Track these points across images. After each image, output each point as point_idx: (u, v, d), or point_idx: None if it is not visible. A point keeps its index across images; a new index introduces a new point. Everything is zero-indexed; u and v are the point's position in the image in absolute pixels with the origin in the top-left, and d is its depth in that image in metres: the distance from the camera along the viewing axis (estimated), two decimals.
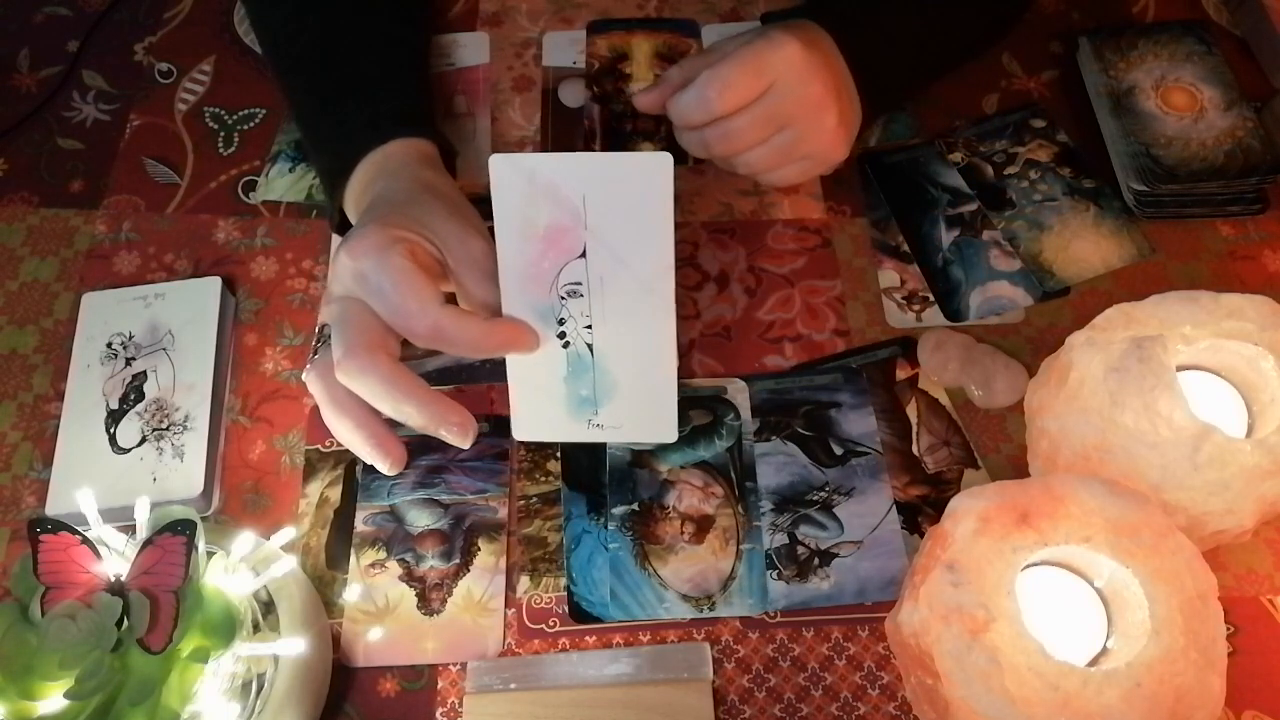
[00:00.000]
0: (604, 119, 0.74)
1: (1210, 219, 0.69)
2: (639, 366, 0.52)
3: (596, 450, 0.61)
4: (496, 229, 0.49)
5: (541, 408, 0.55)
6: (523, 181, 0.47)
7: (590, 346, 0.51)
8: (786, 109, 0.57)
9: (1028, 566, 0.50)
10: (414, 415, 0.49)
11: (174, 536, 0.48)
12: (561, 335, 0.51)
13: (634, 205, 0.47)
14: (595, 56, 0.78)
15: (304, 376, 0.53)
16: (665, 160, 0.46)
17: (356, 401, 0.50)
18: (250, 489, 0.61)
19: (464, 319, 0.48)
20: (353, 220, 0.57)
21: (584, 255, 0.49)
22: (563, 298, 0.50)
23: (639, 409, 0.54)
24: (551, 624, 0.57)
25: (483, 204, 0.51)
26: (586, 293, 0.50)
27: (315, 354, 0.51)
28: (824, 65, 0.58)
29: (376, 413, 0.51)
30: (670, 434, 0.55)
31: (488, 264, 0.50)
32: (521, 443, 0.62)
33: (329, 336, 0.50)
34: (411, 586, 0.57)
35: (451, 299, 0.52)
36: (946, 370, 0.63)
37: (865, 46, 0.61)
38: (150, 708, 0.45)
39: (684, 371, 0.64)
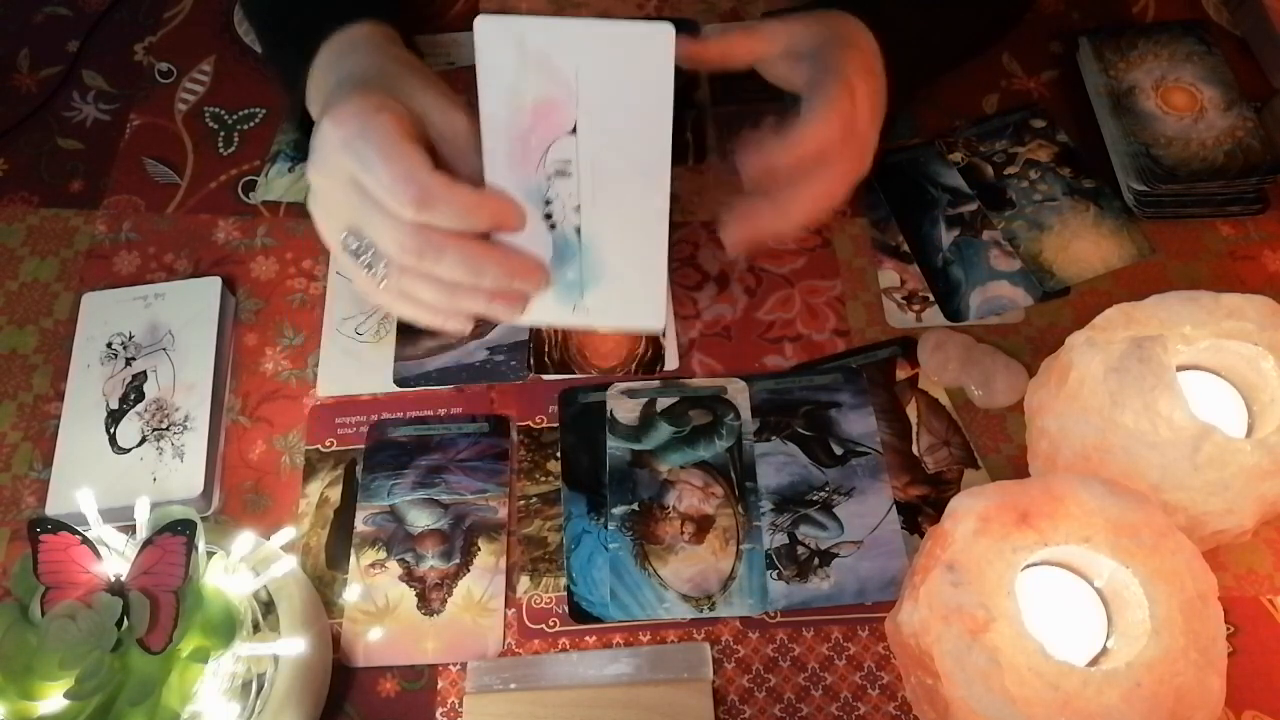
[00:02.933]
0: None
1: (1210, 219, 0.69)
2: (628, 252, 0.49)
3: (597, 450, 0.61)
4: (480, 100, 0.45)
5: None
6: (511, 48, 0.44)
7: (578, 230, 0.48)
8: (847, 157, 0.53)
9: (1028, 566, 0.49)
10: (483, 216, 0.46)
11: (174, 536, 0.48)
12: (548, 216, 0.48)
13: (631, 81, 0.44)
14: None
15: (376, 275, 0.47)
16: (666, 31, 0.42)
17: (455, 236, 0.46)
18: (250, 489, 0.61)
19: (453, 185, 0.44)
20: (315, 115, 0.54)
21: (574, 132, 0.45)
22: (550, 176, 0.46)
23: (626, 295, 0.50)
24: (551, 624, 0.57)
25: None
26: (576, 172, 0.46)
27: (367, 260, 0.47)
28: (878, 91, 0.54)
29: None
30: (658, 320, 0.51)
31: (470, 138, 0.47)
32: (521, 442, 0.62)
33: (364, 245, 0.46)
34: (411, 586, 0.57)
35: None
36: (946, 370, 0.63)
37: (899, 45, 0.57)
38: (150, 708, 0.45)
39: (684, 371, 0.64)
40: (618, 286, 0.50)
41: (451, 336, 0.51)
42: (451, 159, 0.47)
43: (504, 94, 0.45)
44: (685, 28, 0.66)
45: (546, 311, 0.51)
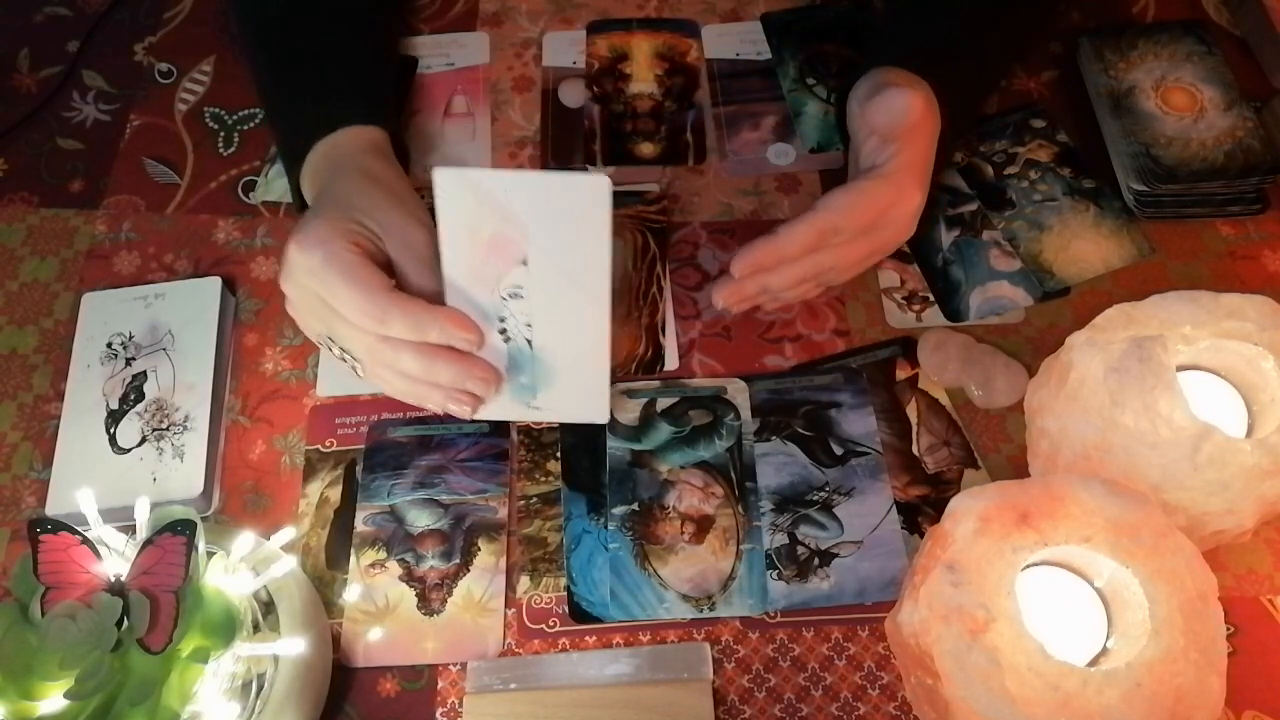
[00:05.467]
0: (604, 119, 0.74)
1: (1210, 219, 0.69)
2: (575, 359, 0.54)
3: (597, 450, 0.61)
4: (441, 234, 0.50)
5: None
6: (468, 194, 0.49)
7: (530, 342, 0.53)
8: (886, 237, 0.59)
9: (1028, 566, 0.49)
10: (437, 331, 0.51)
11: (174, 536, 0.48)
12: (503, 331, 0.53)
13: (574, 222, 0.49)
14: (595, 57, 0.78)
15: (365, 374, 0.54)
16: (603, 183, 0.48)
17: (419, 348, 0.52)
18: (250, 489, 0.61)
19: (407, 302, 0.50)
20: (309, 200, 0.60)
21: (525, 263, 0.51)
22: (505, 298, 0.52)
23: (574, 395, 0.56)
24: (551, 624, 0.57)
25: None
26: (527, 295, 0.52)
27: (344, 359, 0.54)
28: (928, 166, 0.59)
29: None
30: (602, 415, 0.56)
31: (426, 252, 0.52)
32: (521, 443, 0.62)
33: (338, 348, 0.53)
34: (411, 586, 0.57)
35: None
36: (946, 370, 0.63)
37: (960, 93, 0.62)
38: (150, 708, 0.45)
39: (684, 371, 0.64)
40: (566, 388, 0.55)
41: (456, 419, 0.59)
42: (413, 267, 0.53)
43: (462, 232, 0.50)
44: (686, 29, 0.69)
45: (503, 410, 0.56)
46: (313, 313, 0.52)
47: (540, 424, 0.62)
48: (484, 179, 0.49)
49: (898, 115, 0.56)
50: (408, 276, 0.53)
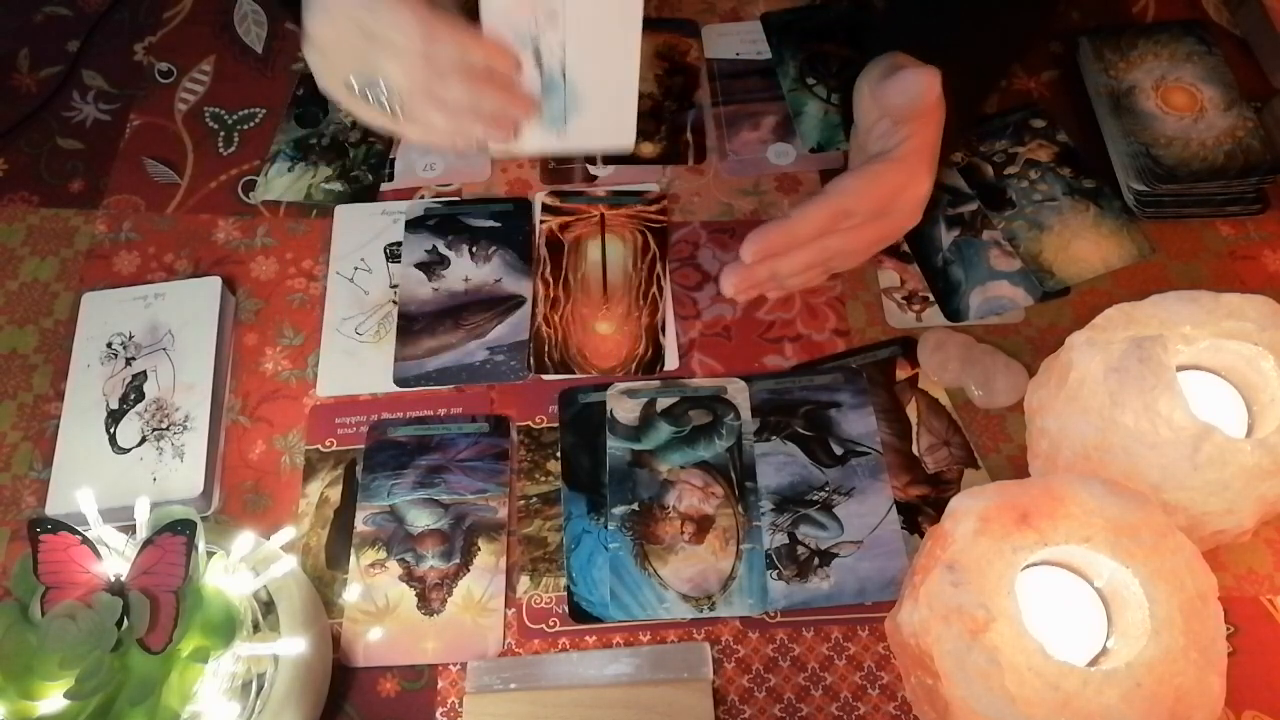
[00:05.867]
0: None
1: (1210, 219, 0.69)
2: (605, 86, 0.55)
3: (597, 450, 0.61)
4: None
5: None
6: None
7: (563, 70, 0.53)
8: (894, 223, 0.58)
9: (1028, 566, 0.49)
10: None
11: (174, 536, 0.48)
12: (538, 58, 0.53)
13: None
14: None
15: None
16: None
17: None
18: (250, 489, 0.61)
19: (454, 22, 0.49)
20: None
21: None
22: (539, 25, 0.52)
23: (603, 121, 0.56)
24: (551, 624, 0.57)
25: None
26: (562, 18, 0.51)
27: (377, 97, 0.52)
28: (936, 154, 0.58)
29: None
30: (629, 137, 0.57)
31: None
32: (521, 442, 0.62)
33: (372, 83, 0.51)
34: (411, 586, 0.57)
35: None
36: (946, 370, 0.63)
37: (960, 88, 0.61)
38: (150, 708, 0.45)
39: (684, 371, 0.64)
40: (596, 115, 0.56)
41: (464, 152, 0.60)
42: (446, 4, 0.51)
43: None
44: (686, 28, 0.69)
45: (535, 139, 0.57)
46: (348, 47, 0.50)
47: (566, 154, 0.62)
48: None
49: (915, 95, 0.55)
50: (442, 5, 0.51)
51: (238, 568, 0.51)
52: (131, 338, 0.64)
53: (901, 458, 0.61)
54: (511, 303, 0.67)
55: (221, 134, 0.75)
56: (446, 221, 0.70)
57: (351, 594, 0.57)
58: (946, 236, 0.68)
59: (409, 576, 0.57)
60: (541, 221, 0.70)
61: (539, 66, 0.53)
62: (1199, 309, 0.55)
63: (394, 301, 0.67)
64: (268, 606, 0.51)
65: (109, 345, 0.64)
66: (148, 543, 0.48)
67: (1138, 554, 0.47)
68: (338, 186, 0.71)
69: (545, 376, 0.64)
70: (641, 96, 0.75)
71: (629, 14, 0.52)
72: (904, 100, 0.56)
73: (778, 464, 0.60)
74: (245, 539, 0.52)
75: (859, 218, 0.56)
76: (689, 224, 0.70)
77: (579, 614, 0.56)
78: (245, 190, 0.72)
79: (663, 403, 0.63)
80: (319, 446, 0.62)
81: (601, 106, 0.56)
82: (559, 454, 0.61)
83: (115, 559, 0.49)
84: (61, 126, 0.76)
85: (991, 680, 0.45)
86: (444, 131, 0.53)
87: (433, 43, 0.48)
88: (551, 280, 0.67)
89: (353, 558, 0.58)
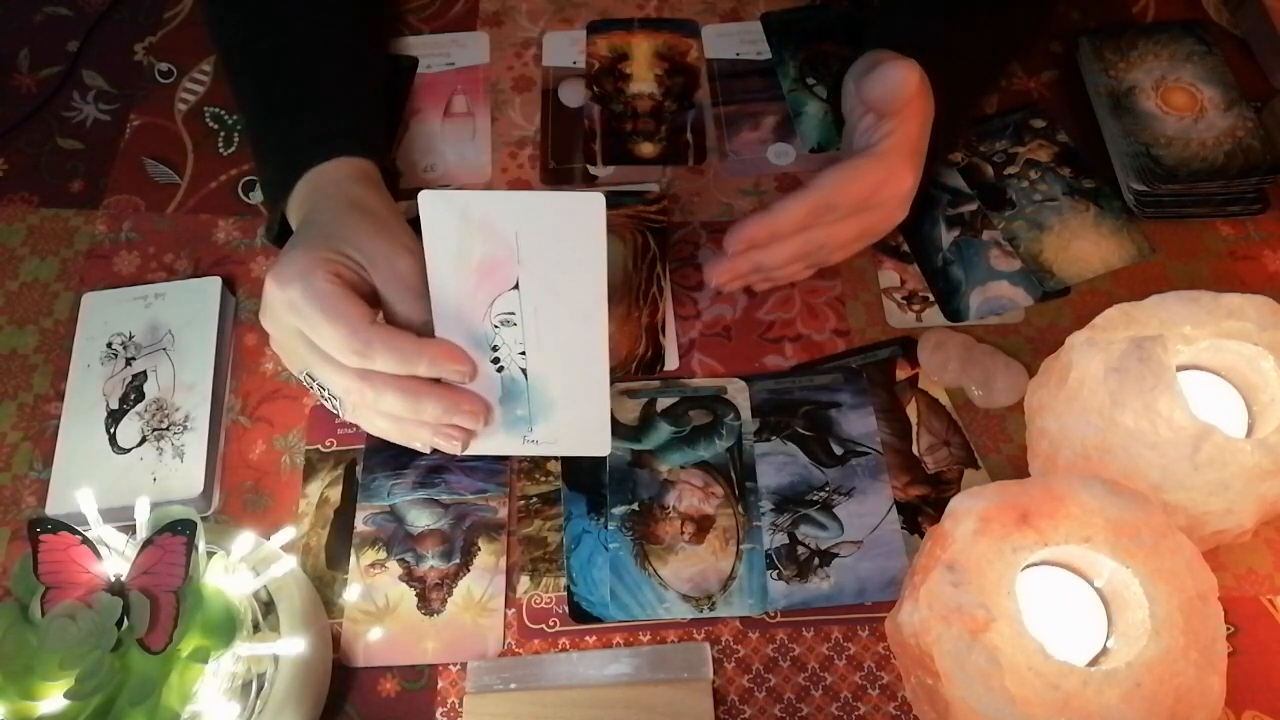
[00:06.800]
0: (604, 119, 0.74)
1: (1210, 219, 0.69)
2: (572, 388, 0.53)
3: None
4: (428, 260, 0.49)
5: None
6: (455, 217, 0.48)
7: (524, 371, 0.52)
8: (878, 218, 0.59)
9: (1028, 566, 0.49)
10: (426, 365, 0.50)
11: (174, 536, 0.48)
12: (496, 360, 0.52)
13: (566, 241, 0.48)
14: (595, 56, 0.78)
15: (349, 416, 0.53)
16: (597, 200, 0.47)
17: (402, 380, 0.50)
18: (250, 489, 0.61)
19: (392, 334, 0.48)
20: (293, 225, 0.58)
21: (517, 287, 0.49)
22: (496, 326, 0.50)
23: (572, 426, 0.54)
24: (551, 624, 0.57)
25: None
26: (520, 322, 0.50)
27: (324, 397, 0.53)
28: (920, 150, 0.59)
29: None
30: (604, 448, 0.55)
31: (415, 281, 0.50)
32: None
33: (318, 385, 0.51)
34: (411, 586, 0.57)
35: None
36: (946, 370, 0.63)
37: (953, 83, 0.61)
38: (150, 708, 0.45)
39: (684, 371, 0.64)
40: (564, 419, 0.54)
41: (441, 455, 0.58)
42: (401, 297, 0.51)
43: (450, 257, 0.49)
44: (686, 28, 0.68)
45: (498, 444, 0.55)
46: (293, 350, 0.51)
47: (537, 457, 0.60)
48: (471, 201, 0.47)
49: (893, 88, 0.56)
50: (395, 307, 0.51)
51: (238, 568, 0.51)
52: (131, 338, 0.64)
53: (901, 458, 0.61)
54: None
55: (222, 134, 0.75)
56: None
57: (351, 594, 0.57)
58: (946, 236, 0.68)
59: (409, 576, 0.57)
60: None
61: (499, 368, 0.51)
62: (1199, 309, 0.55)
63: None
64: (268, 606, 0.51)
65: (109, 345, 0.64)
66: (148, 543, 0.48)
67: (1138, 554, 0.47)
68: None
69: None
70: (642, 97, 0.76)
71: (593, 317, 0.49)
72: (883, 93, 0.56)
73: (778, 464, 0.60)
74: (245, 539, 0.52)
75: (841, 211, 0.56)
76: (689, 224, 0.70)
77: (579, 614, 0.56)
78: (245, 190, 0.72)
79: (663, 403, 0.63)
80: (319, 446, 0.62)
81: (570, 412, 0.53)
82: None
83: (115, 559, 0.49)
84: (61, 126, 0.76)
85: (991, 680, 0.45)
86: (389, 434, 0.52)
87: (367, 357, 0.47)
88: None
89: (353, 558, 0.58)
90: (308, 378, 0.52)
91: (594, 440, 0.55)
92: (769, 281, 0.62)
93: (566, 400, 0.53)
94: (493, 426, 0.54)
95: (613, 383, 0.63)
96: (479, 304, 0.50)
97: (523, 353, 0.51)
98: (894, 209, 0.58)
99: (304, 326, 0.49)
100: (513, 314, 0.50)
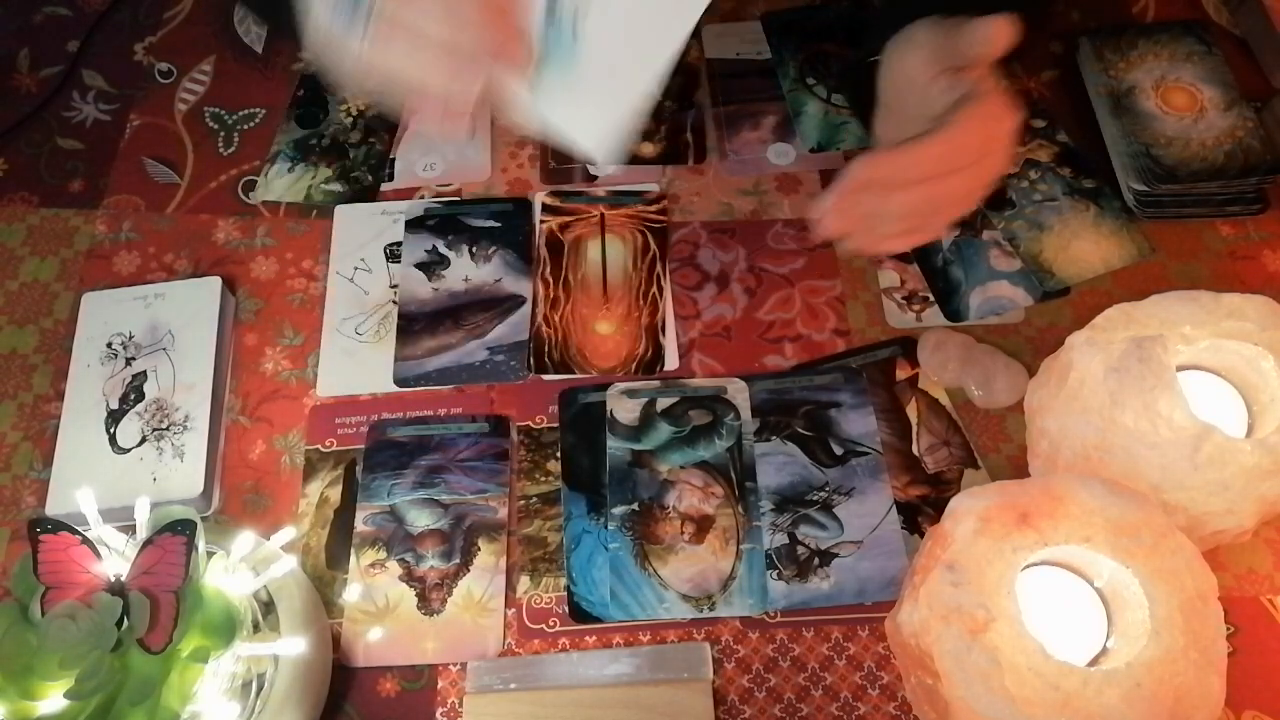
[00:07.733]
0: None
1: (1210, 219, 0.69)
2: (617, 69, 0.44)
3: (597, 450, 0.61)
4: None
5: None
6: None
7: (574, 30, 0.44)
8: (992, 164, 0.54)
9: (1028, 566, 0.49)
10: None
11: (174, 536, 0.48)
12: (552, 10, 0.43)
13: None
14: None
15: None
16: None
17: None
18: (250, 489, 0.61)
19: None
20: None
21: None
22: None
23: (591, 111, 0.46)
24: (551, 624, 0.57)
25: None
26: None
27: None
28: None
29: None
30: (605, 155, 0.47)
31: None
32: (521, 442, 0.62)
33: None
34: (411, 586, 0.57)
35: None
36: (946, 370, 0.63)
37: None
38: (150, 708, 0.45)
39: (684, 371, 0.64)
40: (588, 99, 0.45)
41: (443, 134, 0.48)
42: None
43: None
44: None
45: (509, 101, 0.46)
46: None
47: (537, 128, 0.49)
48: None
49: (994, 40, 0.52)
50: None
51: (238, 568, 0.51)
52: (131, 338, 0.64)
53: (901, 458, 0.61)
54: (511, 303, 0.67)
55: (221, 134, 0.75)
56: (446, 221, 0.70)
57: (351, 594, 0.57)
58: (946, 236, 0.68)
59: (409, 576, 0.57)
60: (541, 221, 0.70)
61: (551, 14, 0.43)
62: (1199, 309, 0.55)
63: (394, 301, 0.67)
64: (268, 606, 0.51)
65: (109, 345, 0.64)
66: (148, 543, 0.48)
67: (1138, 554, 0.47)
68: (338, 187, 0.72)
69: (545, 376, 0.64)
70: None
71: (685, 11, 0.41)
72: (985, 49, 0.52)
73: (778, 464, 0.60)
74: (245, 539, 0.52)
75: (965, 159, 0.52)
76: (689, 224, 0.70)
77: (579, 614, 0.56)
78: (245, 190, 0.72)
79: (663, 403, 0.63)
80: (319, 446, 0.62)
81: (598, 95, 0.45)
82: (559, 454, 0.61)
83: (115, 559, 0.49)
84: (61, 126, 0.76)
85: (991, 680, 0.45)
86: (407, 67, 0.44)
87: None
88: (551, 280, 0.67)
89: (353, 558, 0.58)
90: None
91: (602, 140, 0.46)
92: (872, 238, 0.56)
93: (602, 80, 0.45)
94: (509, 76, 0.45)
95: (612, 383, 0.63)
96: None
97: (585, 7, 0.43)
98: (1004, 152, 0.54)
99: None
100: None
